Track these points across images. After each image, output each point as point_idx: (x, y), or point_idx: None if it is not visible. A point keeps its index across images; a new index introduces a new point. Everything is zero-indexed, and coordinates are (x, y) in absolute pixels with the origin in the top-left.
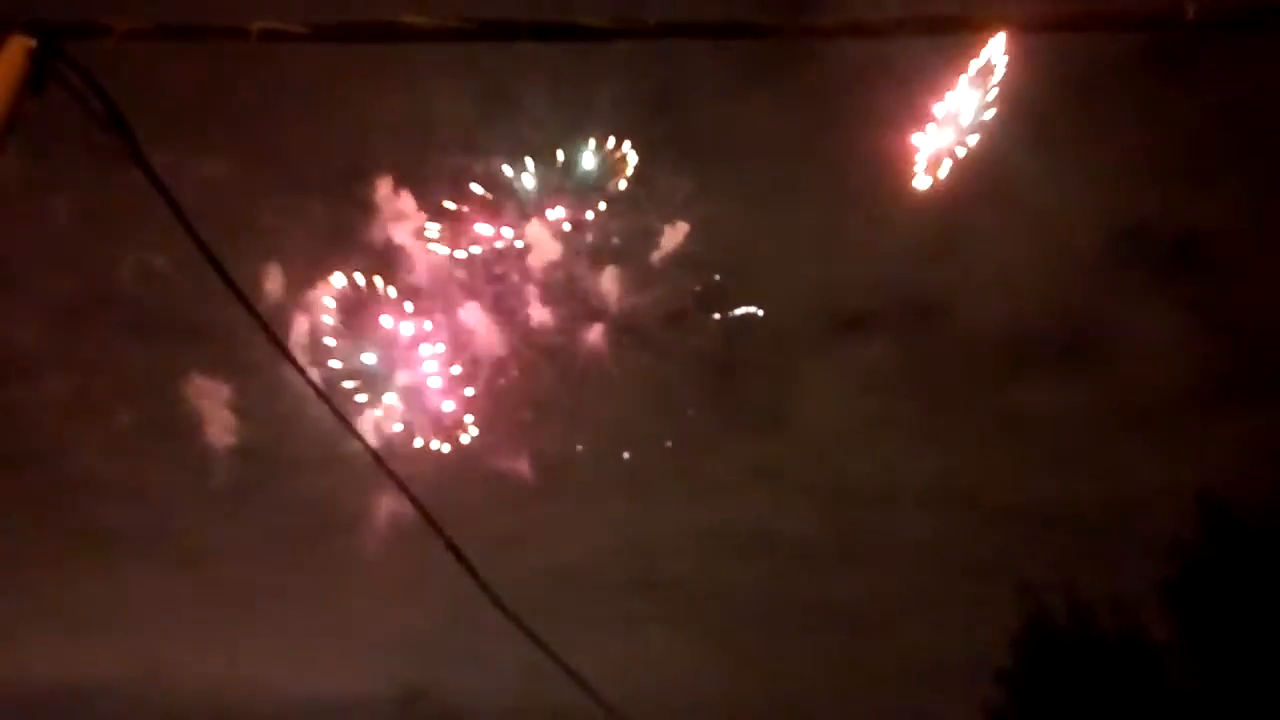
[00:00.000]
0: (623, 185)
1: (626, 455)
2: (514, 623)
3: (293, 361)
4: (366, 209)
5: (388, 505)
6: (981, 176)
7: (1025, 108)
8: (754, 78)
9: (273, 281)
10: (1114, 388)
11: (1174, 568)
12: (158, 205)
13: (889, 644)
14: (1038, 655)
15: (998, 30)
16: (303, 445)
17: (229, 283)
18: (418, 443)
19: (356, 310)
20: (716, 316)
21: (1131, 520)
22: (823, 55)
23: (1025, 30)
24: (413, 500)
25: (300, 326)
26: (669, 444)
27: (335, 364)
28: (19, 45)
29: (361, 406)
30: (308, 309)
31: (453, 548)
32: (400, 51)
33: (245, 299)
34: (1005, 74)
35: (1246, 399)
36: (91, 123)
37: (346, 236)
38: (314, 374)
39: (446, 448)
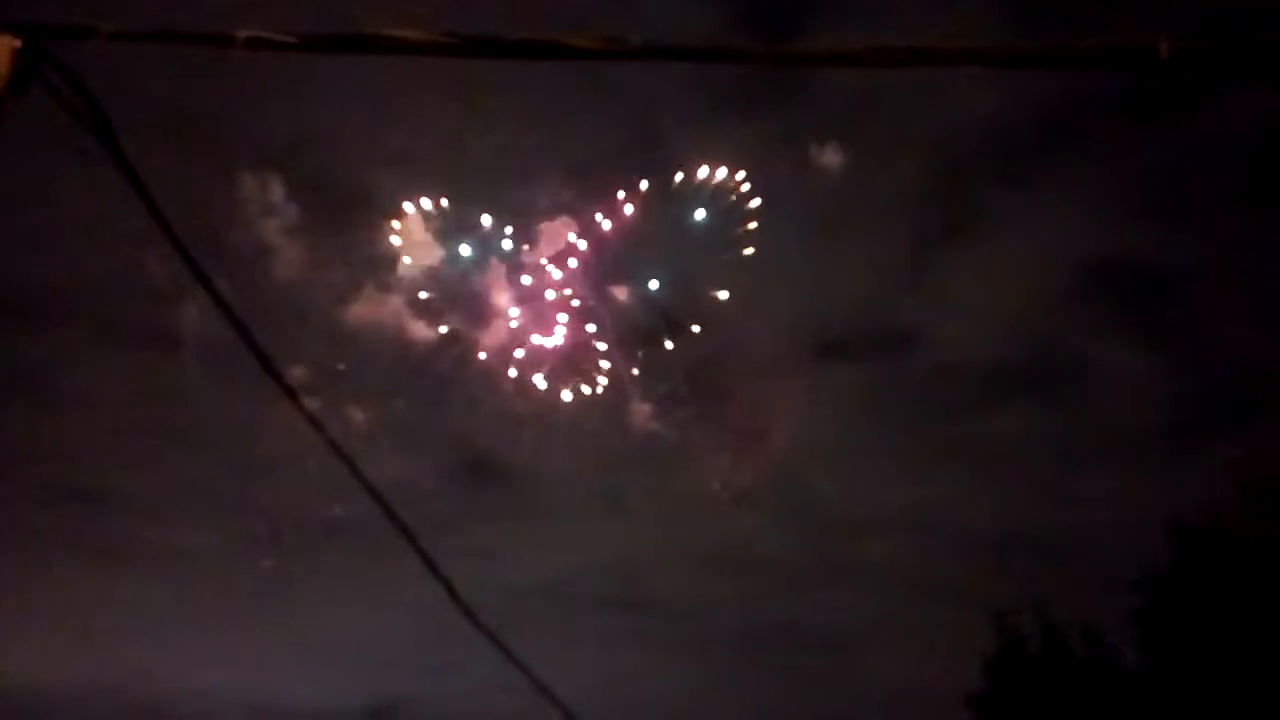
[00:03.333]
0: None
1: (605, 474)
2: (487, 636)
3: (268, 367)
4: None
5: (361, 514)
6: (956, 207)
7: (999, 142)
8: (732, 110)
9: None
10: (1084, 418)
11: (1145, 595)
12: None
13: (862, 667)
14: (1010, 680)
15: (975, 64)
16: (274, 451)
17: (206, 284)
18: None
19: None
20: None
21: (1102, 548)
22: (803, 88)
23: (1001, 65)
24: (387, 509)
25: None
26: (647, 463)
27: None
28: (4, 44)
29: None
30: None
31: (426, 558)
32: (380, 68)
33: (222, 300)
34: (980, 109)
35: (1212, 432)
36: (74, 125)
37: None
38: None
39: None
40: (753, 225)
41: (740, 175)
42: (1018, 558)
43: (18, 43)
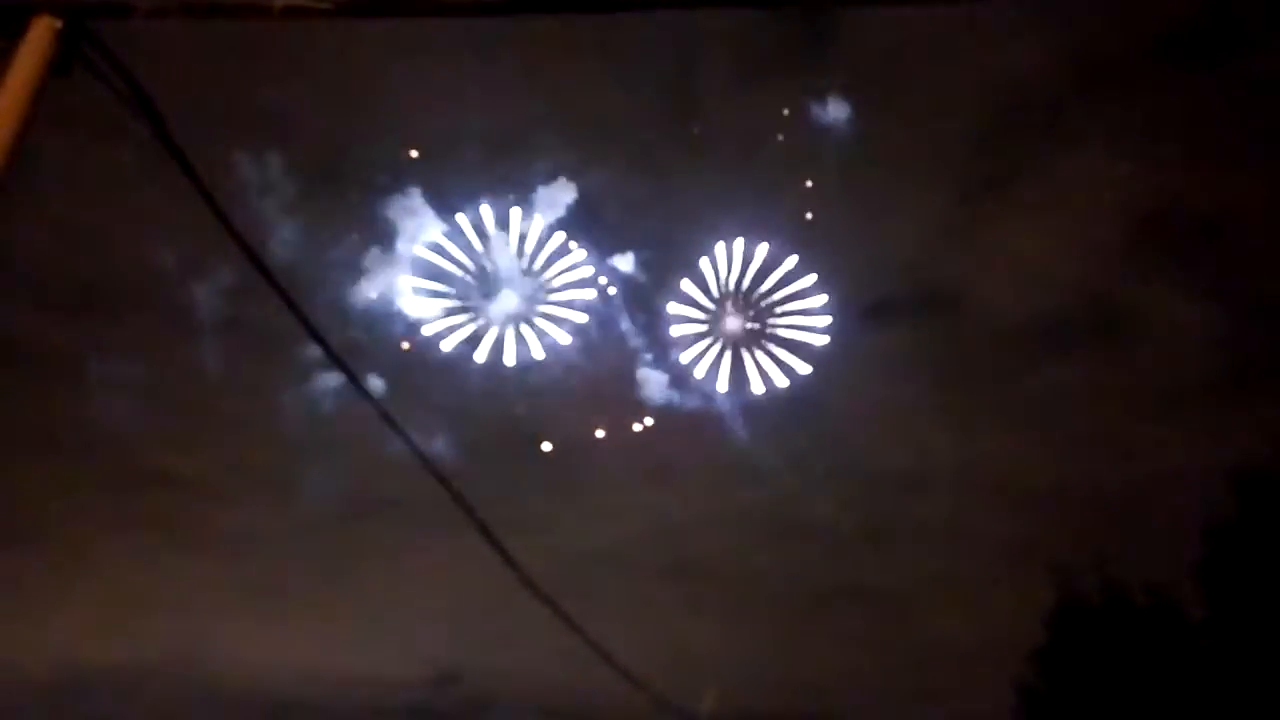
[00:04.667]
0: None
1: (652, 442)
2: (547, 605)
3: (328, 350)
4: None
5: (421, 490)
6: (1004, 158)
7: (1041, 93)
8: (765, 72)
9: (302, 268)
10: (1140, 370)
11: (1207, 547)
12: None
13: (919, 627)
14: (1070, 636)
15: None
16: (327, 432)
17: (258, 265)
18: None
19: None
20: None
21: (1162, 501)
22: (838, 45)
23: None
24: (445, 484)
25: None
26: (693, 430)
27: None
28: (45, 26)
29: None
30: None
31: (486, 531)
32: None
33: (275, 282)
34: (1025, 57)
35: (1269, 379)
36: (117, 104)
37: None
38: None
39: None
40: (809, 184)
41: (785, 112)
42: (1075, 512)
43: (59, 24)
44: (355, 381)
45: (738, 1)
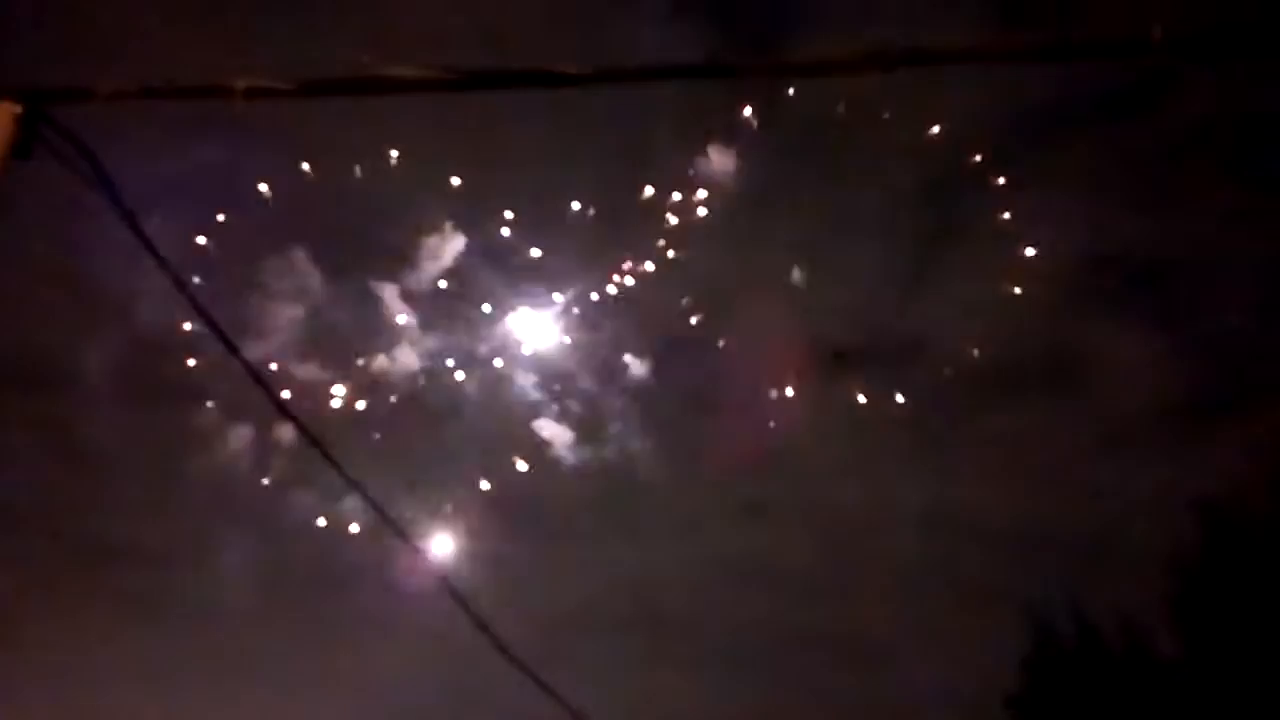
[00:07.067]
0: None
1: (613, 496)
2: (520, 669)
3: (288, 414)
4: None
5: (388, 558)
6: (950, 210)
7: (986, 144)
8: (724, 124)
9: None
10: (1096, 408)
11: (1177, 581)
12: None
13: (894, 673)
14: (1045, 677)
15: (968, 61)
16: (301, 504)
17: (220, 335)
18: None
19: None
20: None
21: (1128, 536)
22: (786, 100)
23: (995, 61)
24: (410, 545)
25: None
26: (656, 481)
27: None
28: (5, 111)
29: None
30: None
31: (456, 595)
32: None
33: (235, 349)
34: (972, 108)
35: (1226, 413)
36: (79, 186)
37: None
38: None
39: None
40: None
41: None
42: (1044, 553)
43: (19, 109)
44: (329, 457)
45: (683, 74)
